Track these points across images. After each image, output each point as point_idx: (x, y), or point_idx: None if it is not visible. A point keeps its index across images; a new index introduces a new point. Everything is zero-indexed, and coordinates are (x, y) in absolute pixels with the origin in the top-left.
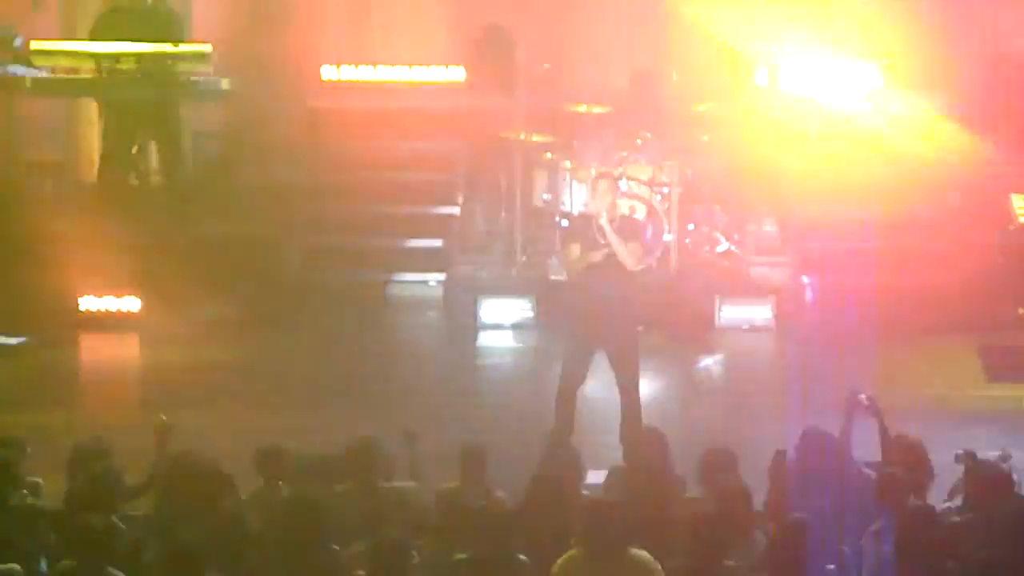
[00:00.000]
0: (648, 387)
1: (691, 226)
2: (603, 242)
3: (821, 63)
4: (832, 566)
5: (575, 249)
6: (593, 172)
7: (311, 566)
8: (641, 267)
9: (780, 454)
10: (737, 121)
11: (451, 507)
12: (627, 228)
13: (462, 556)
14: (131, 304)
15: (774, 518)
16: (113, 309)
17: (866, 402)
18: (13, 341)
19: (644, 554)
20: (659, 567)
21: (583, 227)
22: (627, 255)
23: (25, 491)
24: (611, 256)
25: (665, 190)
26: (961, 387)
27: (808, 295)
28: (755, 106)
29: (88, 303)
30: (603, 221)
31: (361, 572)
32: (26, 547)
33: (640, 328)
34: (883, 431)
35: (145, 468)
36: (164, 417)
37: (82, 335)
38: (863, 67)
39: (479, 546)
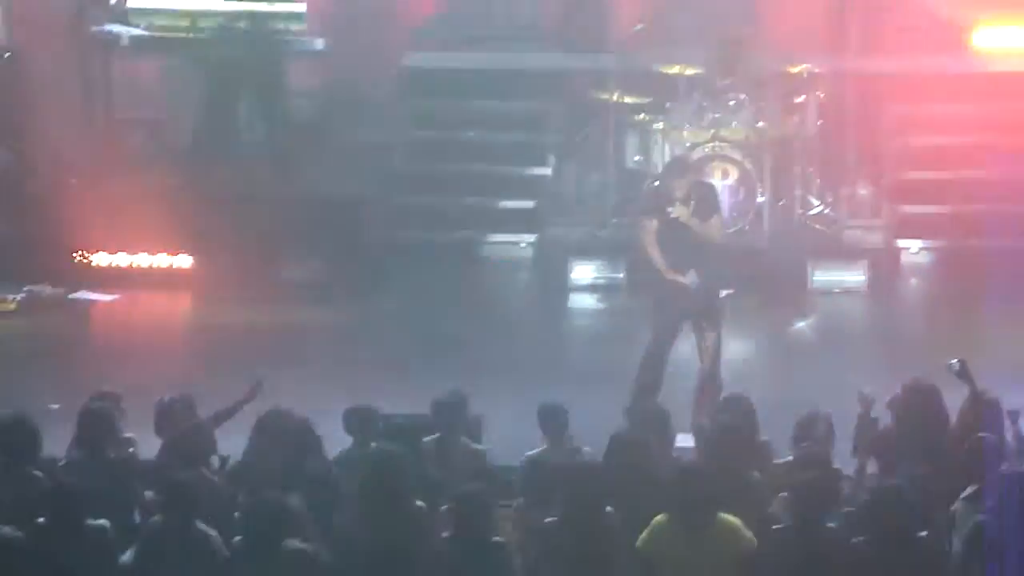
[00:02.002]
0: (740, 349)
1: (784, 188)
2: (680, 216)
3: (917, 22)
4: (924, 532)
5: (650, 225)
6: (693, 136)
7: (399, 523)
8: (724, 237)
9: (871, 421)
10: (831, 83)
11: (539, 469)
12: (704, 206)
13: (553, 518)
14: (219, 262)
15: (866, 484)
16: (177, 267)
17: (957, 367)
18: (108, 298)
19: (732, 519)
20: (747, 532)
21: (655, 200)
22: (710, 231)
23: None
24: (684, 230)
25: (758, 152)
26: None
27: (902, 259)
28: (849, 67)
29: (180, 261)
30: (678, 207)
31: (445, 533)
32: (121, 499)
33: (727, 292)
34: (973, 396)
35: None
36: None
37: (170, 293)
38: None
39: (568, 505)
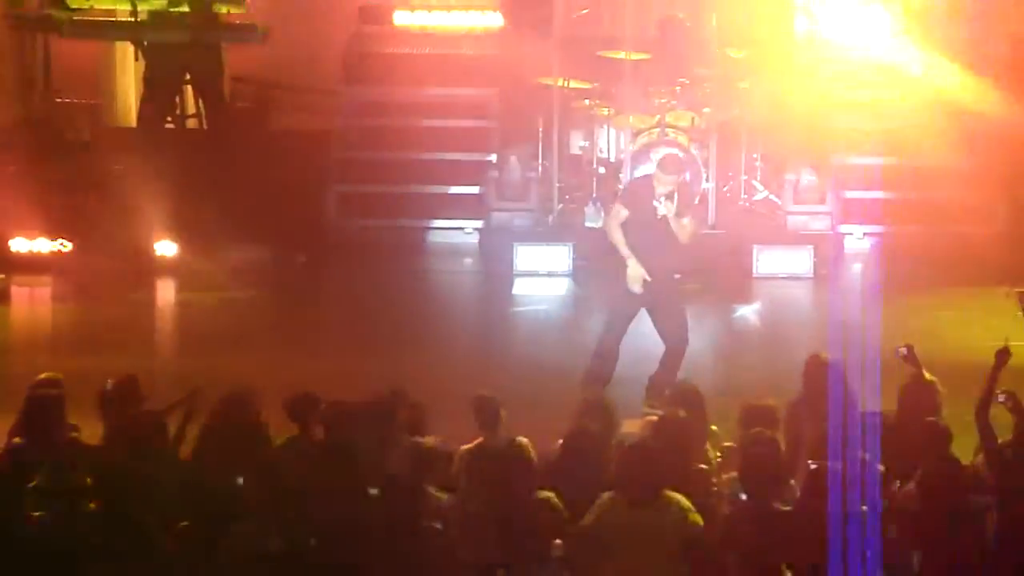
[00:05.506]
0: None
1: (729, 174)
2: (657, 208)
3: (859, 9)
4: (865, 507)
5: (621, 211)
6: (639, 122)
7: (347, 513)
8: (693, 239)
9: (795, 404)
10: (776, 68)
11: (476, 459)
12: (683, 202)
13: (479, 503)
14: (167, 248)
15: (796, 467)
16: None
17: (905, 352)
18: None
19: (678, 496)
20: (693, 512)
21: (638, 192)
22: (682, 231)
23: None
24: (658, 226)
25: (703, 138)
26: (1001, 336)
27: (846, 245)
28: (793, 53)
29: (125, 247)
30: (662, 196)
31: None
32: (72, 483)
33: (677, 276)
34: (918, 381)
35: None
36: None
37: (118, 279)
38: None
39: (504, 493)
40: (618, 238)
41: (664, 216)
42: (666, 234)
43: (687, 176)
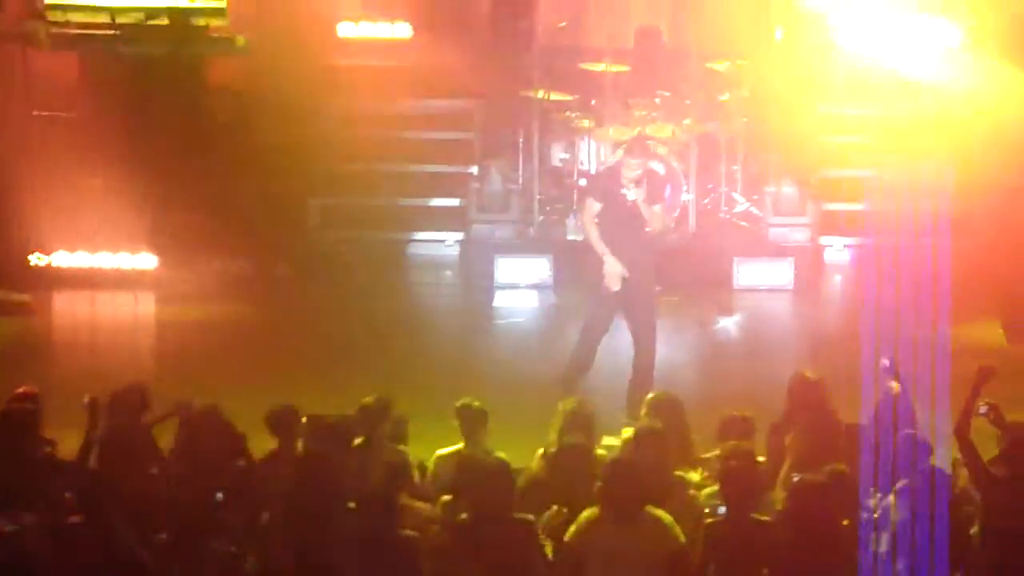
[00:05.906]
0: (665, 347)
1: (709, 186)
2: (628, 200)
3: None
4: (847, 522)
5: (593, 205)
6: (619, 134)
7: (327, 526)
8: (663, 228)
9: (775, 427)
10: (756, 81)
11: (454, 469)
12: (652, 191)
13: (464, 516)
14: (147, 261)
15: (782, 483)
16: (128, 266)
17: (887, 364)
18: (25, 297)
19: (662, 514)
20: (677, 529)
21: (606, 182)
22: (654, 219)
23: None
24: (631, 214)
25: (683, 150)
26: (982, 349)
27: (826, 256)
28: (774, 64)
29: (103, 260)
30: (630, 182)
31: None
32: (48, 498)
33: (658, 288)
34: (901, 394)
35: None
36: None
37: (97, 292)
38: (942, 26)
39: (482, 506)
40: (592, 234)
41: (635, 203)
42: (640, 224)
43: (653, 163)
